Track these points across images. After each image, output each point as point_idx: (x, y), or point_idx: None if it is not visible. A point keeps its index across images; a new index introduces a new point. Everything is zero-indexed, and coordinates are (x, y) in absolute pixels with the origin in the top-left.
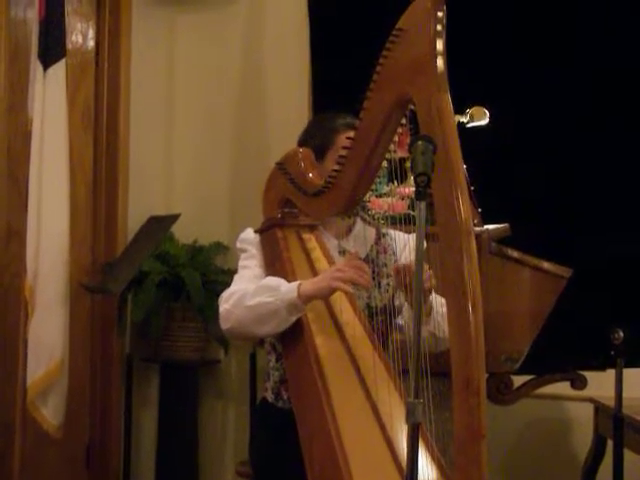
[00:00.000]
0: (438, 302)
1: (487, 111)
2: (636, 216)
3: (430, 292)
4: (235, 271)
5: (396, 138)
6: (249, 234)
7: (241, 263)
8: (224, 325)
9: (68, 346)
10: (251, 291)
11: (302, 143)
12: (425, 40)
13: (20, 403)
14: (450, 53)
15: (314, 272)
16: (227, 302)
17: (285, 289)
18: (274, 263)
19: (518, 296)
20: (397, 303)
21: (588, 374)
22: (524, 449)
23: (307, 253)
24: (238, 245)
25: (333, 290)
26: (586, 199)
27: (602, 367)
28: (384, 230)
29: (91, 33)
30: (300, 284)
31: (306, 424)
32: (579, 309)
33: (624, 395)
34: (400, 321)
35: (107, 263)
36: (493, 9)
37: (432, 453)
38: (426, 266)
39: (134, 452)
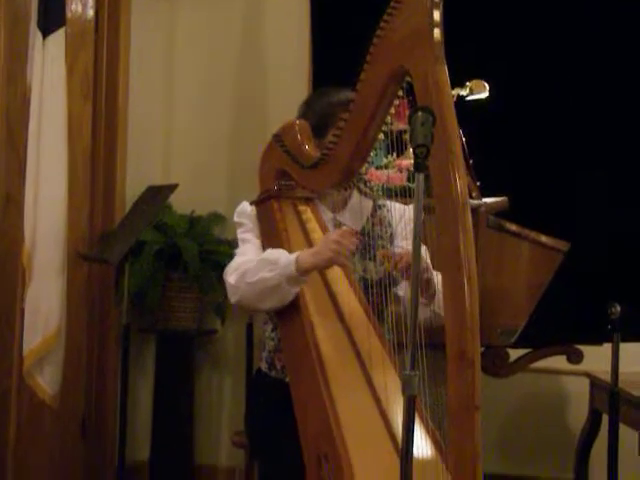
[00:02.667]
0: (439, 280)
1: (487, 84)
2: (635, 190)
3: (427, 285)
4: (232, 241)
5: (393, 110)
6: (245, 207)
7: (240, 236)
8: (232, 299)
9: (65, 315)
10: (252, 267)
11: (302, 117)
12: (422, 11)
13: (16, 371)
14: (450, 25)
15: (309, 243)
16: (231, 276)
17: (284, 262)
18: (270, 234)
19: (516, 269)
20: (394, 274)
21: (584, 348)
22: (520, 423)
23: (303, 224)
24: (235, 219)
25: (331, 262)
26: (585, 173)
27: (599, 341)
28: (381, 201)
29: (91, 2)
30: (298, 256)
31: (300, 394)
32: (576, 283)
33: (620, 370)
34: (399, 292)
35: (105, 232)
36: None
37: (427, 425)
38: (422, 252)
39: (130, 422)
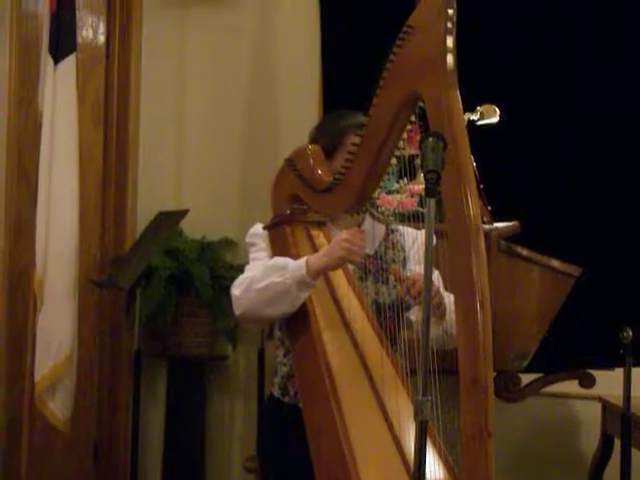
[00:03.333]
0: (450, 300)
1: (497, 109)
2: None
3: (438, 307)
4: (244, 266)
5: (405, 135)
6: (258, 229)
7: (251, 256)
8: (237, 311)
9: (76, 341)
10: (259, 274)
11: (313, 141)
12: (435, 37)
13: (28, 397)
14: (460, 51)
15: None
16: (238, 288)
17: (293, 267)
18: (284, 257)
19: (527, 294)
20: (407, 298)
21: (596, 373)
22: (531, 447)
23: (315, 250)
24: (247, 240)
25: (342, 261)
26: (596, 198)
27: (610, 366)
28: (393, 226)
29: (102, 28)
30: (308, 259)
31: (313, 420)
32: (588, 308)
33: (632, 394)
34: (412, 316)
35: (116, 258)
36: (504, 7)
37: (439, 451)
38: (433, 277)
39: (142, 447)
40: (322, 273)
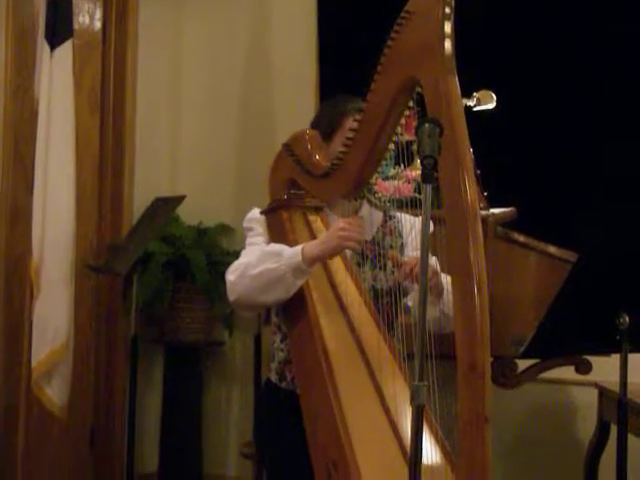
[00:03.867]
0: (448, 281)
1: (494, 94)
2: None
3: (436, 287)
4: (240, 252)
5: (403, 121)
6: (256, 214)
7: (248, 240)
8: (231, 297)
9: (73, 327)
10: (255, 260)
11: (312, 126)
12: (433, 22)
13: (25, 383)
14: (458, 36)
15: None
16: (232, 274)
17: (289, 253)
18: (280, 244)
19: (524, 280)
20: (404, 284)
21: (593, 359)
22: (528, 433)
23: (313, 235)
24: (245, 224)
25: (339, 249)
26: (592, 184)
27: (607, 352)
28: (391, 212)
29: (98, 14)
30: (304, 247)
31: (310, 405)
32: (585, 293)
33: (629, 380)
34: (409, 302)
35: (112, 244)
36: None
37: (436, 436)
38: (432, 262)
39: (138, 433)
40: (318, 261)
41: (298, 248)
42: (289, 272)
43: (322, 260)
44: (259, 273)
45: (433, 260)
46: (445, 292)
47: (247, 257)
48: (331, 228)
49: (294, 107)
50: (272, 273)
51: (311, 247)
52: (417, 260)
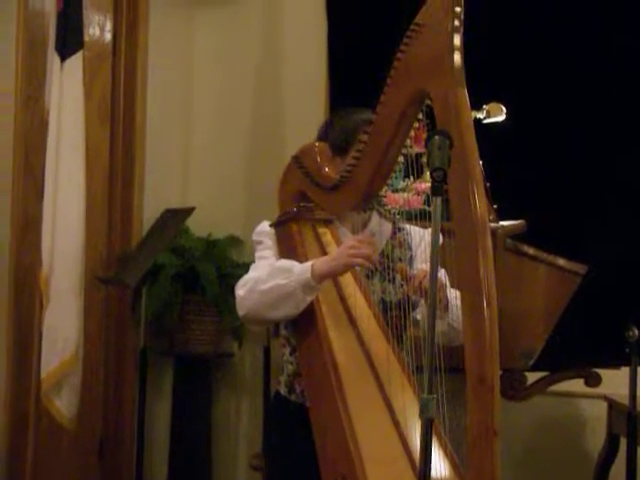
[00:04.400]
0: (454, 295)
1: (504, 107)
2: None
3: (441, 302)
4: (250, 264)
5: (412, 133)
6: (265, 227)
7: (257, 254)
8: (240, 312)
9: (82, 338)
10: (265, 275)
11: (322, 138)
12: (443, 35)
13: (34, 395)
14: (467, 49)
15: None
16: (242, 289)
17: (299, 270)
18: (289, 257)
19: (533, 292)
20: (413, 297)
21: (602, 371)
22: (537, 446)
23: (322, 247)
24: (254, 237)
25: (348, 267)
26: (602, 197)
27: (616, 364)
28: (400, 224)
29: (108, 25)
30: (313, 264)
31: (319, 417)
32: (594, 306)
33: (638, 393)
34: (417, 316)
35: (122, 255)
36: (510, 5)
37: (445, 449)
38: (440, 275)
39: (147, 445)
40: (327, 278)
41: (308, 265)
42: (299, 288)
43: (332, 277)
44: (269, 289)
45: (442, 273)
46: (451, 305)
47: (256, 272)
48: (342, 245)
49: (304, 119)
50: (282, 289)
51: (321, 264)
52: (426, 273)
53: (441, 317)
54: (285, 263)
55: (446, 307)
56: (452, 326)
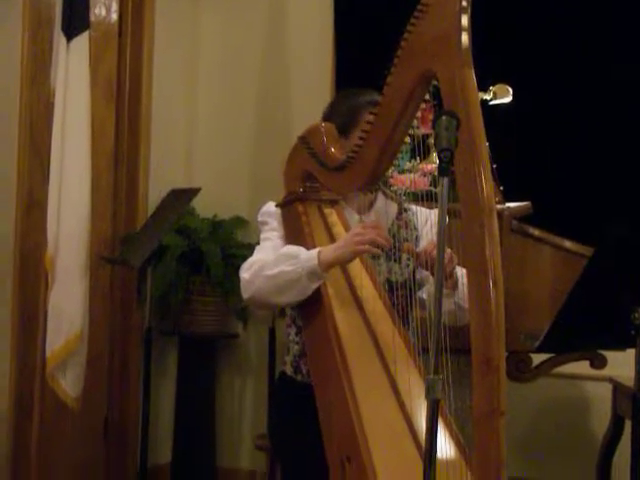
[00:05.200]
0: (463, 273)
1: (510, 88)
2: None
3: (451, 275)
4: (255, 245)
5: (419, 114)
6: (271, 207)
7: (262, 235)
8: (245, 294)
9: (87, 318)
10: (271, 260)
11: (327, 119)
12: (450, 15)
13: (39, 374)
14: (475, 30)
15: None
16: (247, 272)
17: (305, 257)
18: (295, 238)
19: (539, 274)
20: (419, 277)
21: (607, 353)
22: (542, 428)
23: (328, 228)
24: (259, 218)
25: (355, 254)
26: (609, 177)
27: (622, 346)
28: (406, 205)
29: (115, 6)
30: (320, 251)
31: (325, 398)
32: (599, 288)
33: None
34: (423, 295)
35: (127, 236)
36: None
37: (450, 430)
38: (447, 249)
39: (152, 425)
40: (333, 266)
41: (314, 252)
42: (304, 275)
43: (338, 264)
44: (275, 274)
45: (448, 253)
46: (460, 284)
47: (261, 254)
48: (348, 233)
49: (311, 99)
50: (287, 275)
51: (327, 252)
52: (434, 245)
53: (448, 295)
54: (292, 249)
55: (455, 285)
56: (459, 305)
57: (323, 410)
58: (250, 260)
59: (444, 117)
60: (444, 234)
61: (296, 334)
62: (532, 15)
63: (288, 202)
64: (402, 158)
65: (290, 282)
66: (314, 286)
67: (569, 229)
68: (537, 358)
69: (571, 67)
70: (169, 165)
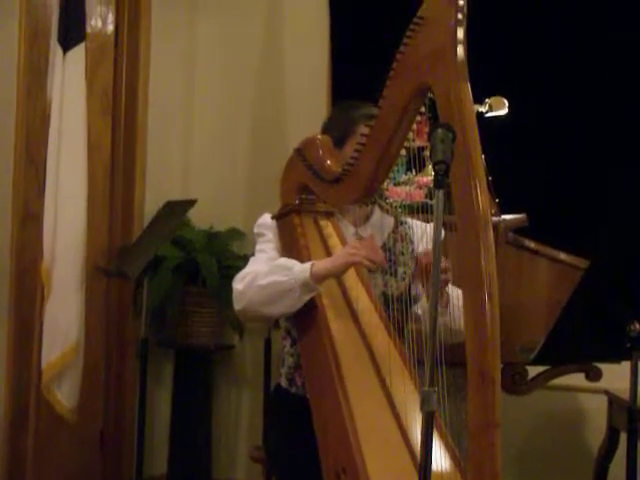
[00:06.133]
0: (455, 295)
1: (506, 101)
2: None
3: (447, 284)
4: (251, 257)
5: (415, 127)
6: (266, 219)
7: (258, 247)
8: (237, 306)
9: (83, 329)
10: (264, 271)
11: (324, 131)
12: (445, 28)
13: (35, 386)
14: (470, 43)
15: None
16: (240, 283)
17: (298, 269)
18: (290, 249)
19: (534, 286)
20: (414, 292)
21: (603, 366)
22: (537, 440)
23: (324, 240)
24: (255, 230)
25: (347, 266)
26: (603, 190)
27: (617, 359)
28: (402, 218)
29: (111, 17)
30: (313, 264)
31: (320, 410)
32: (595, 300)
33: (639, 387)
34: (418, 310)
35: (123, 247)
36: None
37: (446, 442)
38: (444, 258)
39: (148, 437)
40: (326, 279)
41: (308, 264)
42: (297, 286)
43: (331, 277)
44: (267, 284)
45: (443, 260)
46: (450, 305)
47: (255, 265)
48: (343, 248)
49: (307, 111)
50: (280, 286)
51: (320, 265)
52: (428, 252)
53: (440, 314)
54: (286, 261)
55: (446, 304)
56: (447, 326)
57: (318, 422)
58: (243, 271)
59: (440, 130)
60: (439, 246)
61: (291, 346)
62: (528, 28)
63: (284, 214)
64: (398, 171)
65: (282, 292)
66: (306, 298)
67: (564, 241)
68: (533, 370)
69: (567, 80)
70: (165, 176)
